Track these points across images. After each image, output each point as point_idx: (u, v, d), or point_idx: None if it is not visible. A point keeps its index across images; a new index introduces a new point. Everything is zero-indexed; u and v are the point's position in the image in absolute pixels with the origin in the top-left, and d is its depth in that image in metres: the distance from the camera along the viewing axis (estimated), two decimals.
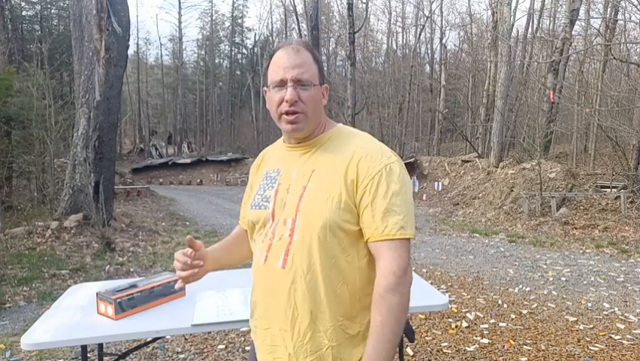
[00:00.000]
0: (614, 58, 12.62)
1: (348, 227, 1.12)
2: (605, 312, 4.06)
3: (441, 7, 28.74)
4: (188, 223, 10.05)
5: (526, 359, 3.11)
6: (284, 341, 1.14)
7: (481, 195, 11.81)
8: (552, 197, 9.16)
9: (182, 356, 3.19)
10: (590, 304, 4.27)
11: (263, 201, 1.24)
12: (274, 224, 1.18)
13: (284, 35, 41.84)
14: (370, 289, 1.12)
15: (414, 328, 3.59)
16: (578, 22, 14.17)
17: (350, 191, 1.12)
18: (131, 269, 5.76)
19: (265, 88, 1.24)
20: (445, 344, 3.37)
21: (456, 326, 3.73)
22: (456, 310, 4.14)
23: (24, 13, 24.11)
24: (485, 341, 3.42)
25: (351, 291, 1.13)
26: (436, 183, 14.87)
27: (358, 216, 1.12)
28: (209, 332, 3.45)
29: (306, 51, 1.19)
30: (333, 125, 1.27)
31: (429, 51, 31.08)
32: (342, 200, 1.11)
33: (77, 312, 1.92)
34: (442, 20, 29.71)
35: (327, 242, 1.10)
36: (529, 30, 21.59)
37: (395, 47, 33.31)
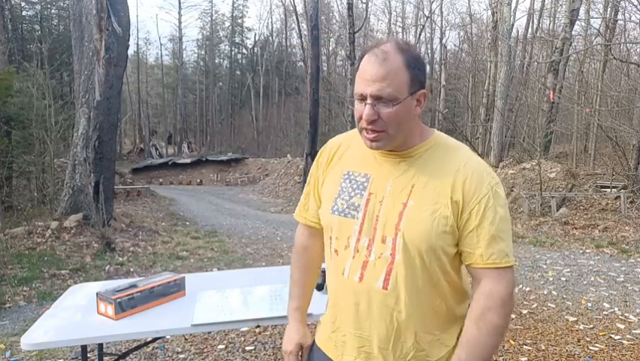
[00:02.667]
0: (614, 58, 12.63)
1: (449, 250, 1.08)
2: (605, 312, 4.06)
3: (441, 7, 28.81)
4: (188, 223, 10.05)
5: (526, 359, 3.11)
6: (384, 359, 1.11)
7: None
8: (552, 197, 9.16)
9: (182, 356, 3.19)
10: (590, 304, 4.27)
11: (350, 209, 1.14)
12: (364, 239, 1.11)
13: (284, 35, 41.90)
14: (464, 302, 1.15)
15: None
16: (578, 22, 14.19)
17: (455, 213, 1.05)
18: (131, 269, 5.76)
19: None
20: None
21: None
22: None
23: (24, 13, 24.13)
24: None
25: (448, 306, 1.12)
26: None
27: (459, 238, 1.07)
28: (209, 332, 3.44)
29: (396, 56, 1.04)
30: (430, 133, 1.17)
31: (429, 51, 31.08)
32: (449, 223, 1.05)
33: (77, 312, 1.92)
34: (442, 20, 29.76)
35: (431, 265, 1.07)
36: (529, 30, 21.60)
37: None
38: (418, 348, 1.10)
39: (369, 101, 1.04)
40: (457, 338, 1.12)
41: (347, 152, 1.23)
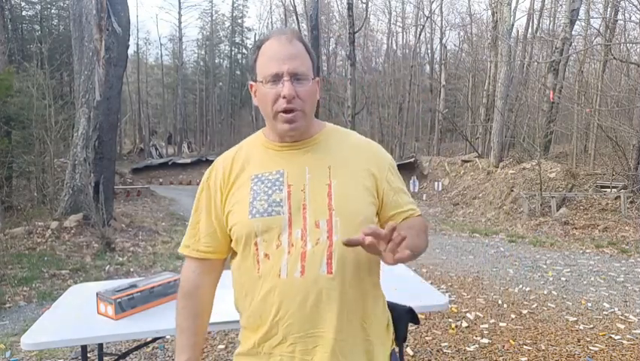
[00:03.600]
0: (614, 58, 12.62)
1: (375, 220, 1.13)
2: (605, 312, 4.06)
3: (441, 7, 28.73)
4: (188, 223, 10.05)
5: (526, 359, 3.11)
6: (340, 351, 1.05)
7: (481, 195, 11.80)
8: (552, 197, 9.16)
9: None
10: (590, 304, 4.27)
11: (273, 207, 1.07)
12: (297, 231, 1.05)
13: None
14: (379, 278, 1.18)
15: (414, 328, 3.59)
16: (578, 22, 14.18)
17: (374, 184, 1.13)
18: (131, 269, 5.76)
19: (252, 83, 1.12)
20: (445, 344, 3.37)
21: (456, 326, 3.73)
22: (456, 310, 4.14)
23: (24, 13, 24.10)
24: (485, 341, 3.42)
25: (375, 282, 1.15)
26: (436, 183, 14.88)
27: (383, 205, 1.16)
28: (209, 332, 3.45)
29: (298, 42, 1.09)
30: (324, 124, 1.23)
31: (429, 51, 31.07)
32: (372, 194, 1.12)
33: (77, 312, 1.92)
34: (442, 20, 29.69)
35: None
36: (529, 30, 21.57)
37: (395, 47, 33.34)
38: (365, 333, 1.09)
39: (286, 78, 1.03)
40: (384, 323, 1.17)
41: (246, 162, 1.16)
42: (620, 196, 8.54)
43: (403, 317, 1.29)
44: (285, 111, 1.05)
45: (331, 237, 1.04)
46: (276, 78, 1.04)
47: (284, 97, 1.03)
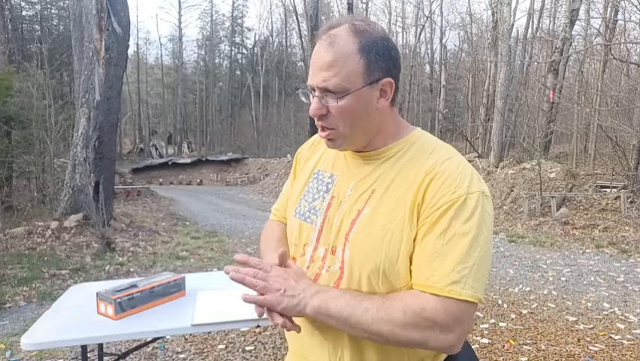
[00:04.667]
0: (614, 58, 12.64)
1: (407, 274, 0.88)
2: (605, 312, 4.06)
3: (441, 7, 28.80)
4: (188, 223, 10.05)
5: (526, 359, 3.11)
6: None
7: None
8: (552, 197, 9.16)
9: (182, 356, 3.19)
10: (590, 304, 4.27)
11: (310, 213, 0.99)
12: (322, 248, 0.95)
13: (284, 35, 41.93)
14: None
15: None
16: (578, 22, 14.21)
17: (414, 223, 0.86)
18: (131, 269, 5.76)
19: None
20: None
21: None
22: None
23: (24, 13, 24.14)
24: (485, 341, 3.42)
25: None
26: None
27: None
28: (209, 332, 3.44)
29: (348, 39, 0.87)
30: (408, 132, 0.99)
31: (429, 51, 31.12)
32: (404, 239, 0.86)
33: (77, 312, 1.91)
34: (442, 20, 29.74)
35: (379, 287, 0.87)
36: (529, 30, 21.61)
37: None
38: None
39: (316, 93, 0.89)
40: None
41: (321, 150, 1.08)
42: (620, 196, 8.54)
43: None
44: (320, 128, 0.94)
45: (343, 269, 0.90)
46: (312, 90, 0.91)
47: (311, 115, 0.92)
